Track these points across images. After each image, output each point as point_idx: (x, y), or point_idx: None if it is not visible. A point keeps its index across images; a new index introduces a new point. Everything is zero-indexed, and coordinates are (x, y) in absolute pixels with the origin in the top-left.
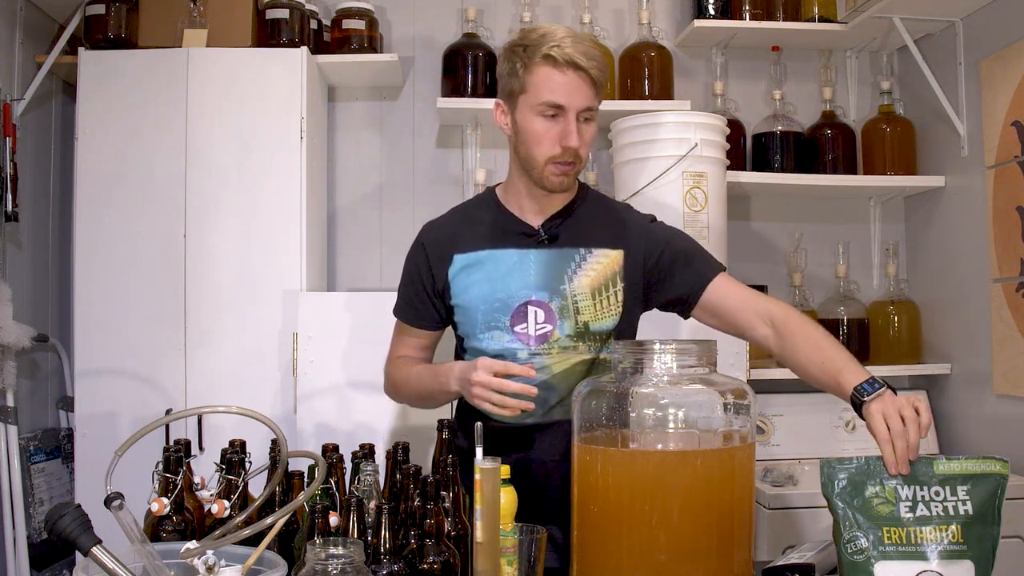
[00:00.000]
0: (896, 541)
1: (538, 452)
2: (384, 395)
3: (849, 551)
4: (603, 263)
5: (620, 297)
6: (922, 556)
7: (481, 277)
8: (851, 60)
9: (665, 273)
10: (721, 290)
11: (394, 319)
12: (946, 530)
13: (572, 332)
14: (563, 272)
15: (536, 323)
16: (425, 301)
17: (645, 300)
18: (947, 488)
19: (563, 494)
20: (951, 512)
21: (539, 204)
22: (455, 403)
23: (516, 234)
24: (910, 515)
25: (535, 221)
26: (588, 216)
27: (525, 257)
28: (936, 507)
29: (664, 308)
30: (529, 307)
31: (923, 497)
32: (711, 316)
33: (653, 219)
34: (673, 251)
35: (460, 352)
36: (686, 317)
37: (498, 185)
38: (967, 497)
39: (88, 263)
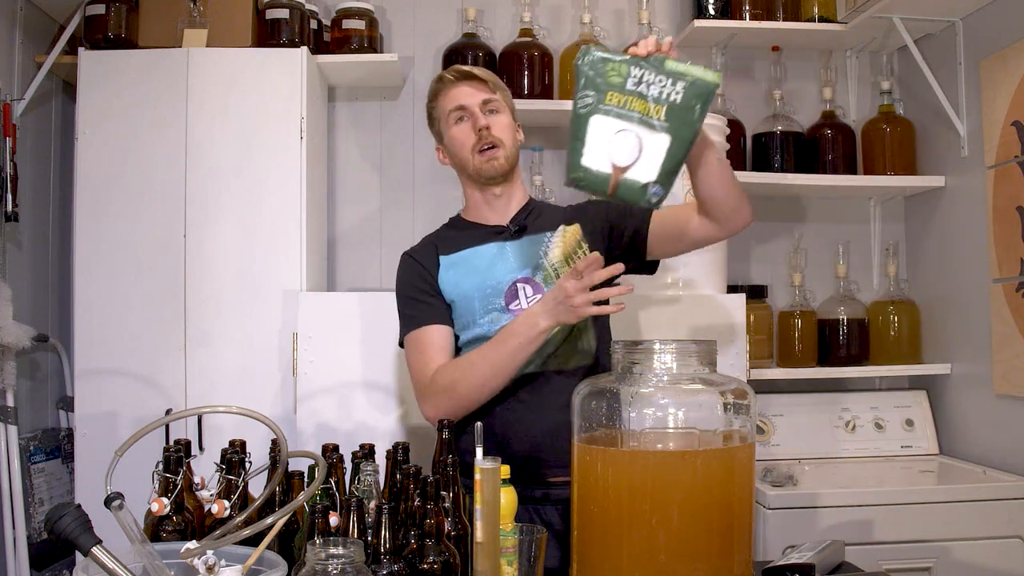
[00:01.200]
0: (614, 104)
1: (537, 401)
2: (386, 395)
3: (579, 106)
4: (567, 235)
5: (587, 253)
6: (629, 119)
7: (468, 270)
8: (851, 60)
9: (617, 217)
10: (660, 213)
11: (404, 347)
12: (655, 107)
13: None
14: (537, 251)
15: (527, 297)
16: (434, 295)
17: (610, 247)
18: (668, 80)
19: (561, 443)
20: (664, 96)
21: (500, 210)
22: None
23: (489, 233)
24: (634, 88)
25: (501, 223)
26: (545, 212)
27: (502, 248)
28: (654, 89)
29: (628, 260)
30: (518, 285)
31: (648, 80)
32: (664, 240)
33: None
34: (616, 208)
35: (456, 348)
36: (650, 267)
37: (458, 213)
38: (681, 91)
39: (88, 263)
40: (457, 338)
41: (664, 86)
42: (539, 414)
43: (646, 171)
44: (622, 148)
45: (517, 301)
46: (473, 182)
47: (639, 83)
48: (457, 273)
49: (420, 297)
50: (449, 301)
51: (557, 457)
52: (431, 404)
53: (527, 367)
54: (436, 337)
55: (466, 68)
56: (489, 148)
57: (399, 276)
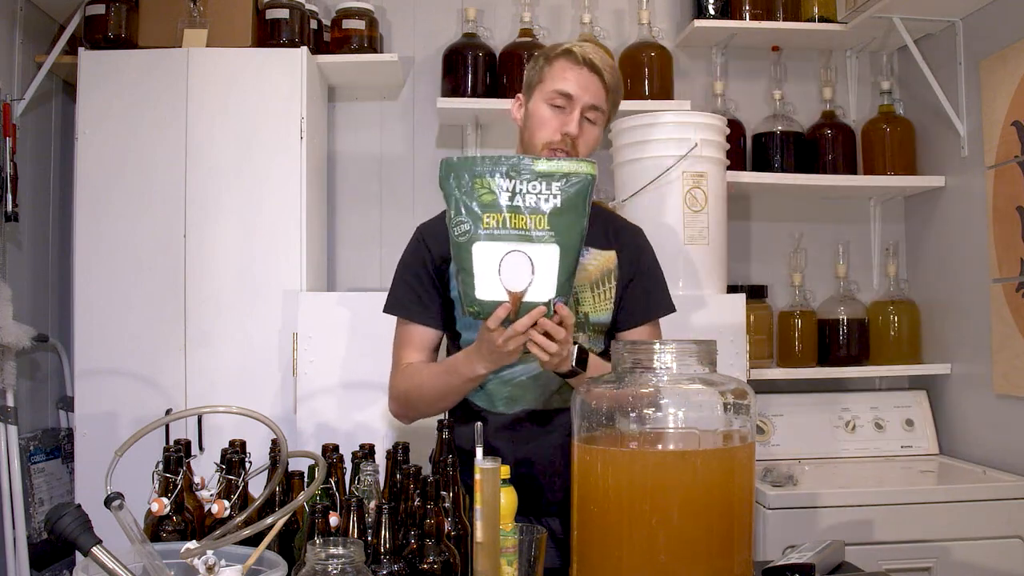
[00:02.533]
0: (493, 225)
1: (540, 441)
2: (386, 395)
3: (456, 233)
4: (599, 261)
5: (613, 293)
6: (513, 239)
7: None
8: (851, 60)
9: (626, 288)
10: (635, 336)
11: (392, 331)
12: (536, 219)
13: (572, 323)
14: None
15: None
16: (431, 292)
17: (615, 298)
18: (543, 183)
19: (566, 482)
20: (542, 205)
21: None
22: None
23: None
24: (508, 203)
25: None
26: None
27: None
28: (530, 198)
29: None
30: None
31: (521, 190)
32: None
33: (642, 232)
34: (644, 273)
35: (455, 350)
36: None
37: None
38: (558, 192)
39: (88, 263)
40: (460, 335)
41: (539, 191)
42: (540, 452)
43: (544, 289)
44: (513, 273)
45: None
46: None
47: (512, 196)
48: None
49: (416, 288)
50: (454, 297)
51: (555, 493)
52: (394, 402)
53: (530, 405)
54: (417, 337)
55: (598, 61)
56: (562, 152)
57: (406, 251)
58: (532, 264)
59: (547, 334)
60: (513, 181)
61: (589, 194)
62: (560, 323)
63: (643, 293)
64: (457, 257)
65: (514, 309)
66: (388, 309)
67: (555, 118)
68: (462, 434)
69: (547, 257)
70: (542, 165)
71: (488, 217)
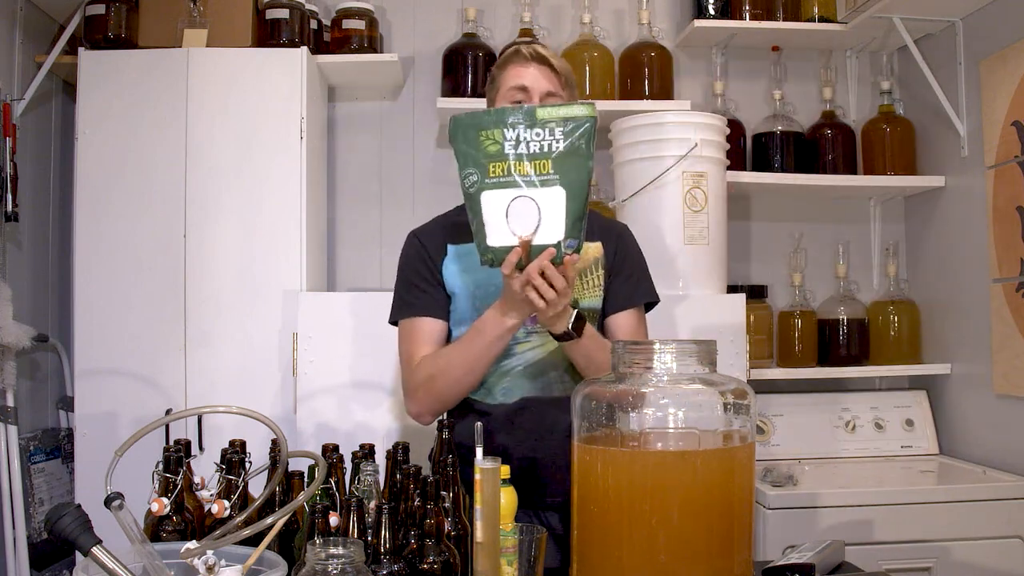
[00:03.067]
0: (499, 174)
1: (540, 427)
2: (386, 395)
3: (466, 185)
4: (585, 251)
5: (602, 280)
6: (518, 184)
7: (473, 265)
8: (851, 60)
9: (613, 274)
10: (619, 322)
11: (396, 340)
12: (540, 164)
13: (576, 275)
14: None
15: None
16: (434, 285)
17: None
18: (545, 129)
19: (564, 472)
20: (545, 149)
21: None
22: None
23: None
24: (512, 152)
25: None
26: None
27: None
28: (533, 145)
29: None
30: None
31: (524, 138)
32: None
33: (627, 227)
34: (628, 262)
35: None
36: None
37: None
38: (560, 137)
39: (88, 263)
40: (451, 332)
41: (543, 138)
42: (541, 444)
43: (552, 232)
44: (521, 218)
45: None
46: None
47: (517, 144)
48: (461, 266)
49: (419, 283)
50: (449, 292)
51: (552, 483)
52: (413, 399)
53: (528, 392)
54: (427, 330)
55: (546, 52)
56: None
57: (402, 255)
58: (539, 208)
59: (549, 282)
60: (516, 130)
61: (591, 136)
62: (564, 274)
63: (627, 279)
64: (469, 209)
65: (524, 253)
66: (396, 315)
67: None
68: (461, 430)
69: (553, 200)
70: (542, 112)
71: (494, 166)
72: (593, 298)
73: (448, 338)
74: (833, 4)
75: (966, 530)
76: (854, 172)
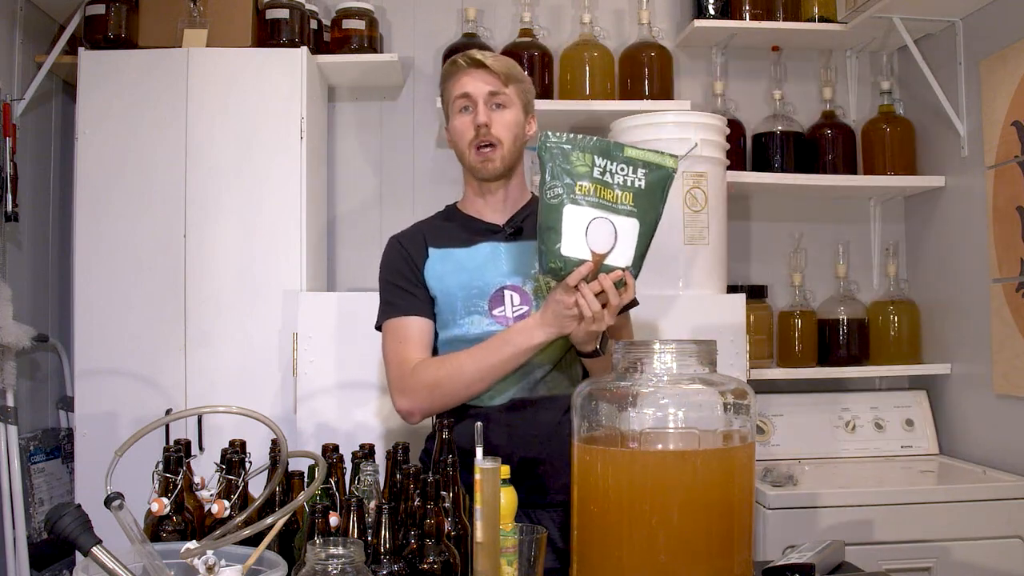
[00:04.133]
0: (585, 193)
1: (527, 428)
2: (386, 396)
3: (548, 196)
4: None
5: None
6: (601, 207)
7: (456, 267)
8: (851, 60)
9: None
10: (614, 328)
11: (382, 333)
12: (623, 194)
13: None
14: (533, 261)
15: (513, 305)
16: (418, 286)
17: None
18: (630, 167)
19: (554, 469)
20: (628, 184)
21: (496, 207)
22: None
23: (483, 231)
24: (599, 177)
25: (498, 220)
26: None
27: (496, 249)
28: (618, 177)
29: None
30: (505, 292)
31: (611, 168)
32: None
33: None
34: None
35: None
36: None
37: (456, 202)
38: (643, 178)
39: (88, 263)
40: (436, 335)
41: (627, 174)
42: (526, 441)
43: (622, 256)
44: (599, 236)
45: (502, 307)
46: (468, 173)
47: (604, 172)
48: (444, 268)
49: (403, 285)
50: (432, 296)
51: (544, 481)
52: (409, 398)
53: (515, 393)
54: (416, 329)
55: (479, 56)
56: (486, 147)
57: (384, 259)
58: (616, 232)
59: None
60: (605, 160)
61: (668, 185)
62: (620, 296)
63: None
64: (547, 217)
65: (595, 269)
66: (381, 318)
67: (465, 121)
68: (459, 434)
69: (629, 229)
70: (631, 151)
71: (581, 185)
72: None
73: (435, 339)
74: (833, 4)
75: (966, 530)
76: (854, 172)
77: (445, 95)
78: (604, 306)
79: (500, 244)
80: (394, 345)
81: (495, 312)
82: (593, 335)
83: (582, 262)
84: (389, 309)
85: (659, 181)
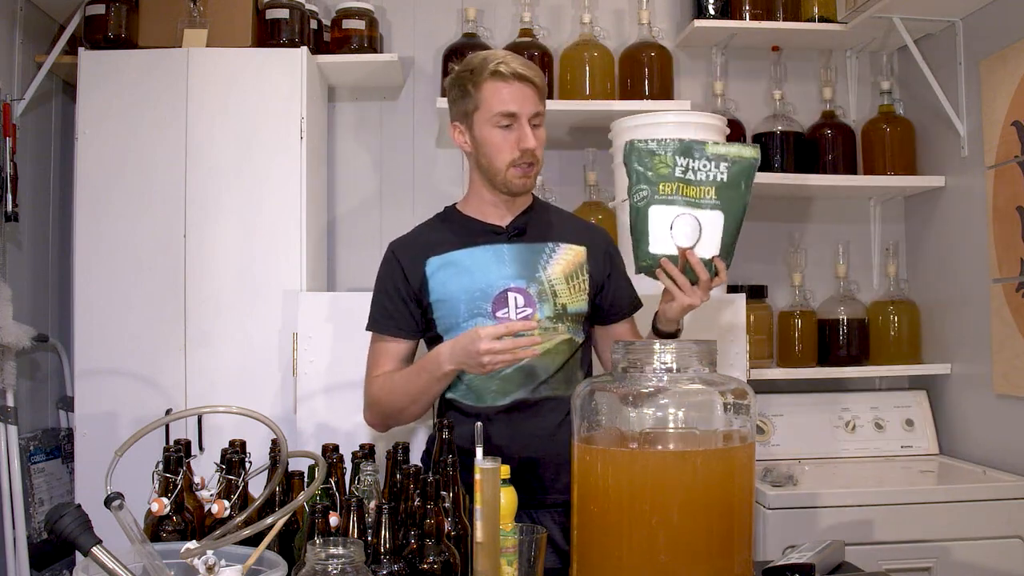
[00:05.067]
0: (668, 193)
1: (529, 428)
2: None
3: (635, 199)
4: (571, 255)
5: (587, 284)
6: (684, 204)
7: (459, 271)
8: (851, 60)
9: (606, 284)
10: (620, 331)
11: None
12: (705, 189)
13: (552, 314)
14: (536, 262)
15: (517, 307)
16: (401, 308)
17: (592, 291)
18: (712, 163)
19: (555, 469)
20: (711, 178)
21: (501, 209)
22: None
23: (485, 233)
24: (682, 176)
25: (500, 222)
26: (547, 217)
27: (499, 251)
28: (700, 174)
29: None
30: (509, 293)
31: (693, 167)
32: (599, 336)
33: (605, 230)
34: (620, 269)
35: None
36: (591, 325)
37: (456, 203)
38: (725, 171)
39: (88, 263)
40: (441, 339)
41: (709, 169)
42: (528, 441)
43: (708, 247)
44: (683, 231)
45: (505, 309)
46: (488, 183)
47: (686, 171)
48: (447, 274)
49: (391, 301)
50: (437, 300)
51: (545, 481)
52: (366, 412)
53: (518, 394)
54: (391, 350)
55: (525, 71)
56: (527, 165)
57: (380, 268)
58: (700, 226)
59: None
60: (687, 159)
61: (751, 175)
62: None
63: (625, 287)
64: (634, 220)
65: (682, 262)
66: (369, 324)
67: (507, 139)
68: (459, 435)
69: (713, 221)
70: (712, 148)
71: (664, 185)
72: (579, 303)
73: (429, 346)
74: (833, 4)
75: (966, 530)
76: (854, 172)
77: (477, 100)
78: (695, 283)
79: (503, 246)
80: (369, 361)
81: (499, 314)
82: (685, 310)
83: (669, 257)
84: (373, 323)
85: (741, 172)
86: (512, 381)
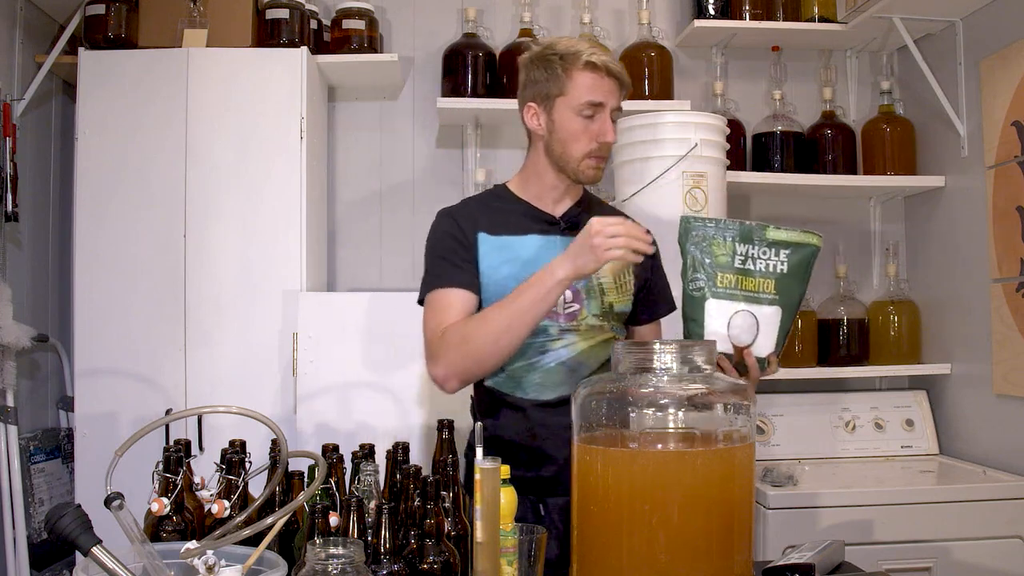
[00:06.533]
0: (726, 285)
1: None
2: (386, 396)
3: (690, 288)
4: None
5: (632, 285)
6: (742, 299)
7: (510, 257)
8: (851, 60)
9: (647, 286)
10: (645, 332)
11: (424, 306)
12: (765, 282)
13: (599, 312)
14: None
15: (564, 302)
16: (466, 265)
17: (636, 288)
18: (772, 250)
19: None
20: (770, 269)
21: (558, 195)
22: (472, 394)
23: (539, 222)
24: (740, 266)
25: (554, 211)
26: (600, 213)
27: (552, 243)
28: (760, 263)
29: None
30: None
31: (753, 255)
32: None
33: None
34: (659, 272)
35: None
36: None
37: (506, 182)
38: (785, 260)
39: (88, 263)
40: None
41: (769, 258)
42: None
43: (766, 345)
44: (741, 329)
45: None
46: (556, 167)
47: (745, 260)
48: (500, 257)
49: (451, 258)
50: (485, 282)
51: None
52: (442, 362)
53: (559, 391)
54: (459, 300)
55: (616, 67)
56: (601, 157)
57: (433, 232)
58: (758, 324)
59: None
60: (747, 246)
61: (812, 263)
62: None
63: (661, 290)
64: (689, 308)
65: (737, 358)
66: (425, 289)
67: (588, 129)
68: (503, 426)
69: (771, 317)
70: (774, 233)
71: (721, 276)
72: (625, 302)
73: None
74: (833, 4)
75: (966, 530)
76: (854, 172)
77: (560, 88)
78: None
79: (556, 237)
80: (433, 315)
81: None
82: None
83: (725, 354)
84: (434, 281)
85: (803, 261)
86: (555, 376)
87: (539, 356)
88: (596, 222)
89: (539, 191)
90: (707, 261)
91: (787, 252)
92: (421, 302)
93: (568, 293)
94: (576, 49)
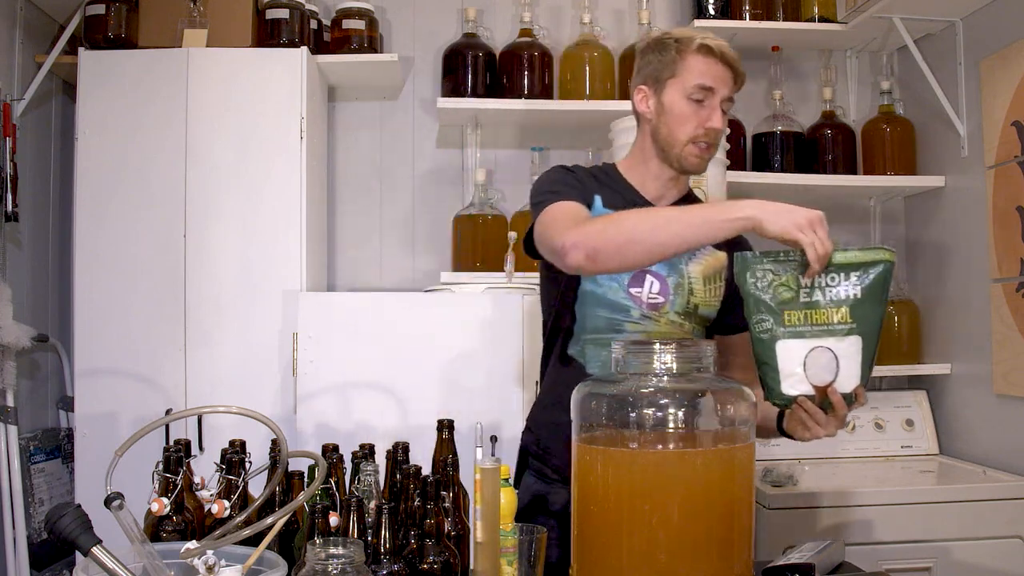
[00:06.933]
0: (795, 323)
1: None
2: (386, 396)
3: (757, 330)
4: (713, 258)
5: (722, 291)
6: (815, 335)
7: None
8: (851, 60)
9: (735, 293)
10: (741, 345)
11: (542, 221)
12: (837, 312)
13: (682, 309)
14: (681, 255)
15: (650, 291)
16: (589, 205)
17: (724, 296)
18: (841, 275)
19: None
20: (842, 296)
21: (661, 186)
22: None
23: (642, 206)
24: (808, 299)
25: (655, 201)
26: None
27: None
28: (830, 292)
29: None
30: (647, 275)
31: (820, 284)
32: (720, 345)
33: (745, 238)
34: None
35: (568, 295)
36: (710, 335)
37: (614, 163)
38: (857, 283)
39: (88, 263)
40: (558, 281)
41: (839, 285)
42: None
43: (849, 380)
44: (820, 367)
45: (639, 288)
46: (661, 154)
47: (812, 291)
48: None
49: (577, 181)
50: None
51: None
52: (575, 233)
53: None
54: (586, 213)
55: (731, 55)
56: (707, 146)
57: (550, 175)
58: (836, 358)
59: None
60: (812, 277)
61: (889, 281)
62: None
63: (736, 306)
64: (760, 352)
65: (820, 398)
66: (545, 203)
67: (696, 113)
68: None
69: (851, 349)
70: (839, 256)
71: (788, 315)
72: (712, 307)
73: (566, 286)
74: (833, 4)
75: (966, 530)
76: (854, 172)
77: (672, 70)
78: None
79: None
80: (563, 214)
81: (632, 290)
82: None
83: (808, 397)
84: (555, 197)
85: (877, 282)
86: None
87: (614, 334)
88: (821, 213)
89: (643, 178)
90: (770, 301)
91: (858, 275)
92: (529, 238)
93: (656, 283)
94: (692, 34)
